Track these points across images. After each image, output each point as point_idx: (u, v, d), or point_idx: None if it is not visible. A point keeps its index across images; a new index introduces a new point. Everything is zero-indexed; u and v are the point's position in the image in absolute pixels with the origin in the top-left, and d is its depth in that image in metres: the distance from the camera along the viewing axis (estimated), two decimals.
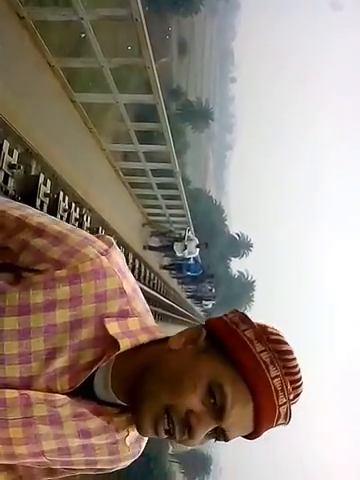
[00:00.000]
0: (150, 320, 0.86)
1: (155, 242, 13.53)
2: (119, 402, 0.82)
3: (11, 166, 4.21)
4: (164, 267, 15.49)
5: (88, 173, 7.42)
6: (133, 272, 9.95)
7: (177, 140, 12.86)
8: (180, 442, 0.78)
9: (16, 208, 0.88)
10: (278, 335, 0.81)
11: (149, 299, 12.14)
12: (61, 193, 5.58)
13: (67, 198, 5.75)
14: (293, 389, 0.78)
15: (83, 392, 0.81)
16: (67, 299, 0.78)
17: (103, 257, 0.81)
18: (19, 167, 4.34)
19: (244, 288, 62.39)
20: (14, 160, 4.30)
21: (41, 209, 4.94)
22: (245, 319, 0.82)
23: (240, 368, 0.77)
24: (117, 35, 11.99)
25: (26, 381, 0.78)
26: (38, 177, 4.97)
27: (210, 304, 32.19)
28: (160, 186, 10.45)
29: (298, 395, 0.80)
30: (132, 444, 0.87)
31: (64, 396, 0.79)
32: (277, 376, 0.77)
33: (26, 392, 0.78)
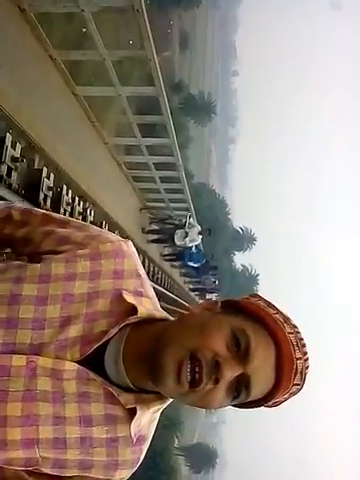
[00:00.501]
0: (160, 309, 0.89)
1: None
2: (128, 382, 0.80)
3: (14, 159, 4.20)
4: (164, 257, 14.32)
5: (91, 167, 7.41)
6: None
7: (180, 134, 12.79)
8: (203, 396, 0.75)
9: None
10: (287, 314, 0.86)
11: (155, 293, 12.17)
12: (64, 187, 5.57)
13: (70, 192, 5.74)
14: (304, 352, 0.81)
15: (93, 367, 0.79)
16: (87, 272, 0.83)
17: (122, 242, 0.89)
18: (22, 160, 4.33)
19: (248, 282, 62.37)
20: (17, 154, 4.29)
21: (45, 203, 4.94)
22: (254, 295, 0.86)
23: (259, 319, 0.80)
24: (119, 28, 11.92)
25: (36, 348, 0.77)
26: (41, 171, 4.96)
27: (214, 297, 31.47)
28: (163, 180, 10.42)
29: (308, 360, 0.81)
30: (136, 436, 0.81)
31: (73, 364, 0.77)
32: (291, 332, 0.80)
33: (34, 359, 0.76)
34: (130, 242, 0.91)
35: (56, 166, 5.69)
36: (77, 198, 5.96)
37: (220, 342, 0.76)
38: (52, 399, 0.76)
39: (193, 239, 11.44)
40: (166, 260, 14.66)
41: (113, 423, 0.80)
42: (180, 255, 14.30)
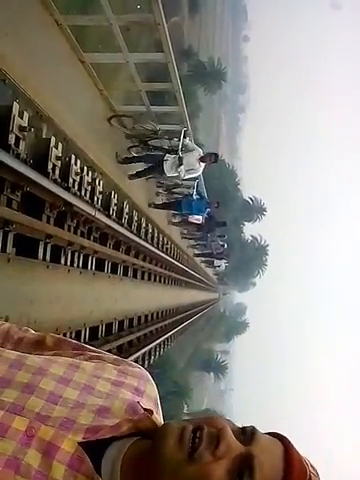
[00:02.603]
0: None
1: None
2: None
3: (22, 129, 4.15)
4: (155, 205, 10.83)
5: (99, 137, 7.33)
6: (146, 236, 9.98)
7: (189, 103, 12.54)
8: (201, 469, 0.69)
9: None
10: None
11: (163, 263, 12.26)
12: (73, 157, 5.53)
13: (79, 162, 5.70)
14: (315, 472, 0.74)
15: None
16: (111, 379, 0.87)
17: (148, 372, 0.95)
18: (30, 130, 4.28)
19: (257, 252, 62.41)
20: (25, 123, 4.25)
21: (53, 173, 4.92)
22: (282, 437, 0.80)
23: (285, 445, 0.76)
24: None
25: (42, 418, 0.75)
26: (49, 140, 4.91)
27: (222, 264, 26.59)
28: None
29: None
30: None
31: (73, 443, 0.74)
32: (315, 474, 0.75)
33: (35, 426, 0.74)
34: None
35: (64, 136, 5.63)
36: (86, 168, 5.91)
37: (224, 423, 0.73)
38: (33, 478, 0.70)
39: (191, 167, 8.04)
40: (156, 207, 10.86)
41: None
42: (176, 204, 11.09)
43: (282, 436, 0.77)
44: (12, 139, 4.05)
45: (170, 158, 7.97)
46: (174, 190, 11.35)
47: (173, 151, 7.97)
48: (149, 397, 0.89)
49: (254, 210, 56.63)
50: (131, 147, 8.65)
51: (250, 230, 64.13)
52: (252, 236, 64.36)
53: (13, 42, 4.70)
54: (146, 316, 10.63)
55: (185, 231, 17.00)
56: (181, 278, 16.49)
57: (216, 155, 9.12)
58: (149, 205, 10.31)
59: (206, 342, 55.47)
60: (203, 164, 8.21)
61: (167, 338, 12.53)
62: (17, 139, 4.11)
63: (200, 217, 12.15)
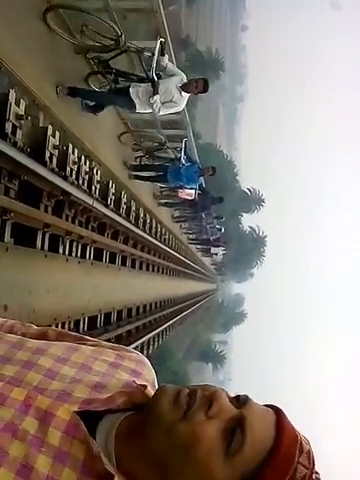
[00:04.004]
0: None
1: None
2: (111, 457, 0.74)
3: (19, 117, 4.13)
4: (136, 176, 9.04)
5: (96, 125, 7.29)
6: (144, 226, 9.97)
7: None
8: (194, 428, 0.70)
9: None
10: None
11: (161, 253, 12.27)
12: (70, 146, 5.50)
13: (76, 151, 5.67)
14: (314, 464, 0.73)
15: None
16: (109, 361, 0.89)
17: (146, 360, 0.96)
18: (27, 118, 4.25)
19: (255, 243, 62.48)
20: (21, 111, 4.22)
21: (51, 162, 4.89)
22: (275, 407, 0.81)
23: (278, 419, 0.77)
24: None
25: (39, 390, 0.78)
26: (46, 129, 4.89)
27: (220, 252, 24.41)
28: (170, 139, 10.23)
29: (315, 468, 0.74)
30: None
31: (69, 410, 0.75)
32: (307, 443, 0.75)
33: (33, 396, 0.76)
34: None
35: (61, 124, 5.60)
36: (83, 157, 5.89)
37: (219, 391, 0.75)
38: (29, 442, 0.71)
39: (170, 99, 5.88)
40: (136, 177, 9.10)
41: None
42: (161, 173, 8.89)
43: (277, 407, 0.78)
44: (9, 127, 4.03)
45: (141, 87, 5.88)
46: (156, 153, 9.13)
47: (146, 79, 5.86)
48: (146, 380, 0.90)
49: (252, 201, 56.59)
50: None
51: (248, 221, 64.20)
52: (250, 227, 64.41)
53: (8, 29, 4.65)
54: (145, 306, 10.66)
55: (176, 212, 15.11)
56: (179, 268, 16.52)
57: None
58: (129, 177, 8.77)
59: (204, 332, 55.70)
60: (187, 95, 6.03)
61: (165, 328, 12.57)
62: (14, 127, 4.09)
63: (192, 191, 10.51)
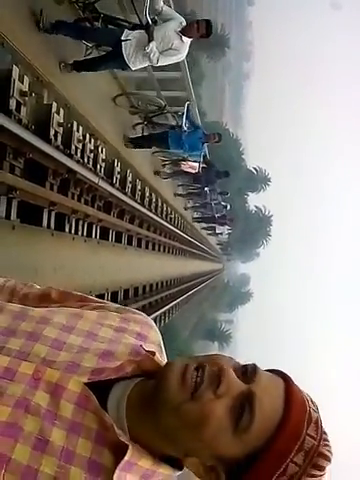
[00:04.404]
0: None
1: None
2: (124, 427, 0.75)
3: (22, 93, 4.08)
4: (131, 141, 8.18)
5: (100, 103, 7.21)
6: (150, 205, 9.95)
7: (192, 70, 12.21)
8: (202, 407, 0.70)
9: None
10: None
11: (167, 233, 12.26)
12: (75, 123, 5.46)
13: (81, 129, 5.62)
14: (323, 432, 0.73)
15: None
16: (114, 325, 0.88)
17: (152, 321, 0.96)
18: (31, 95, 4.20)
19: (261, 223, 62.28)
20: (25, 87, 4.17)
21: (55, 139, 4.86)
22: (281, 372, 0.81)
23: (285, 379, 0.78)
24: None
25: (47, 362, 0.77)
26: (51, 106, 4.84)
27: (225, 231, 23.32)
28: (171, 103, 9.92)
29: (325, 434, 0.74)
30: None
31: (79, 382, 0.75)
32: (315, 410, 0.75)
33: (42, 370, 0.75)
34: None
35: (65, 102, 5.54)
36: (88, 135, 5.84)
37: (226, 362, 0.75)
38: (43, 416, 0.71)
39: (169, 46, 5.21)
40: (133, 143, 8.23)
41: (95, 473, 0.70)
42: (161, 138, 8.13)
43: (284, 373, 0.78)
44: (13, 104, 3.99)
45: (134, 35, 5.14)
46: (156, 119, 8.42)
47: (139, 25, 5.27)
48: (152, 342, 0.89)
49: (258, 180, 56.17)
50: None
51: (254, 201, 63.92)
52: (256, 207, 64.12)
53: (12, 5, 4.57)
54: (151, 285, 10.71)
55: (180, 189, 14.38)
56: (185, 248, 16.53)
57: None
58: (125, 145, 8.04)
59: (210, 312, 56.10)
60: (188, 40, 5.28)
61: (172, 307, 12.67)
62: (18, 104, 4.05)
63: (196, 164, 10.03)
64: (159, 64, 5.40)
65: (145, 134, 8.41)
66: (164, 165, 11.30)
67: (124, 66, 5.39)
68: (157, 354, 0.81)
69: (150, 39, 5.06)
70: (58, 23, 5.06)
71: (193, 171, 10.39)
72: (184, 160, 10.11)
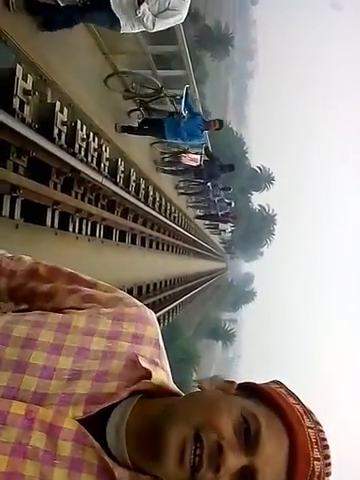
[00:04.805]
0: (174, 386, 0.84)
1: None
2: (126, 457, 0.73)
3: (26, 92, 4.07)
4: (124, 130, 7.46)
5: (104, 102, 7.20)
6: (154, 204, 9.93)
7: (196, 69, 12.15)
8: None
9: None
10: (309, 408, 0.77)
11: (171, 232, 12.25)
12: (79, 122, 5.44)
13: (85, 128, 5.61)
14: (325, 455, 0.71)
15: (93, 432, 0.74)
16: (107, 330, 0.83)
17: (147, 309, 0.91)
18: (34, 94, 4.20)
19: (265, 222, 62.19)
20: (29, 86, 4.16)
21: (59, 138, 4.85)
22: (277, 381, 0.79)
23: (276, 406, 0.73)
24: None
25: (39, 398, 0.73)
26: (54, 105, 4.82)
27: (228, 228, 22.61)
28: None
29: (329, 465, 0.72)
30: None
31: (74, 422, 0.73)
32: (311, 427, 0.72)
33: (34, 409, 0.72)
34: (153, 313, 0.93)
35: (69, 101, 5.53)
36: (92, 134, 5.83)
37: (227, 423, 0.69)
38: (42, 459, 0.70)
39: (167, 6, 4.63)
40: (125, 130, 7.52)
41: None
42: (156, 127, 7.42)
43: (290, 425, 0.72)
44: (17, 103, 3.97)
45: None
46: (152, 104, 7.74)
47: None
48: (149, 341, 0.86)
49: (262, 179, 56.08)
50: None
51: (258, 200, 63.80)
52: (260, 205, 64.03)
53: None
54: (155, 284, 10.70)
55: (181, 184, 13.62)
56: (189, 247, 16.52)
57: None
58: (115, 129, 7.38)
59: (214, 311, 56.06)
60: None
61: (175, 306, 12.65)
62: (21, 103, 4.03)
63: (197, 157, 9.47)
64: (155, 29, 4.74)
65: (139, 121, 7.74)
66: (163, 159, 10.48)
67: (112, 22, 4.64)
68: (152, 374, 0.76)
69: (140, 1, 4.42)
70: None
71: (194, 164, 9.73)
72: (184, 152, 9.47)
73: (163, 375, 0.81)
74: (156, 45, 8.23)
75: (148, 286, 9.88)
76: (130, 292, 8.17)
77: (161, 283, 11.52)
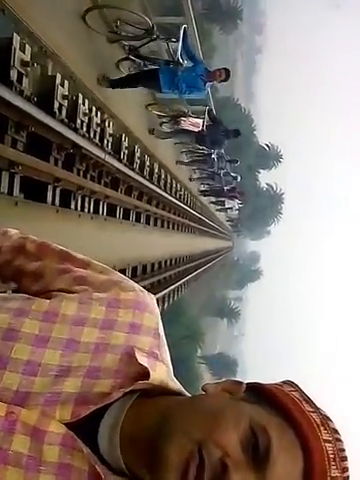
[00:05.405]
0: (176, 381, 0.75)
1: None
2: (120, 462, 0.65)
3: (24, 63, 3.92)
4: (111, 83, 6.41)
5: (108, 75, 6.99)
6: (159, 181, 9.79)
7: (204, 42, 11.82)
8: None
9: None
10: (327, 413, 0.68)
11: (176, 210, 12.12)
12: (80, 96, 5.29)
13: (87, 102, 5.45)
14: (343, 468, 0.63)
15: (82, 435, 0.65)
16: (100, 319, 0.73)
17: (146, 293, 0.81)
18: (33, 65, 4.04)
19: (272, 201, 61.78)
20: (27, 57, 4.00)
21: (60, 113, 4.71)
22: (290, 383, 0.69)
23: (289, 417, 0.63)
24: None
25: (21, 397, 0.65)
26: (55, 78, 4.67)
27: (235, 205, 20.78)
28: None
29: (347, 478, 0.63)
30: None
31: (61, 426, 0.64)
32: (329, 440, 0.63)
33: (16, 411, 0.64)
34: (153, 297, 0.82)
35: (70, 74, 5.36)
36: (94, 109, 5.67)
37: (233, 437, 0.60)
38: (25, 465, 0.62)
39: None
40: (112, 84, 6.46)
41: None
42: (149, 76, 6.51)
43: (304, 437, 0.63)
44: (14, 75, 3.83)
45: None
46: (143, 51, 6.73)
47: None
48: (148, 330, 0.75)
49: (270, 157, 55.43)
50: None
51: (266, 178, 63.23)
52: (267, 184, 63.52)
53: None
54: (160, 263, 10.65)
55: (182, 156, 12.50)
56: (194, 225, 16.41)
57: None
58: (98, 82, 6.29)
59: (219, 289, 56.32)
60: None
61: (181, 284, 12.62)
62: (20, 75, 3.89)
63: (199, 121, 8.57)
64: None
65: (131, 73, 6.75)
66: (161, 124, 9.54)
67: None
68: (151, 373, 0.67)
69: None
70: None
71: (196, 129, 8.73)
72: (185, 116, 8.57)
73: (163, 371, 0.72)
74: (161, 16, 7.96)
75: (153, 265, 9.82)
76: (134, 270, 8.11)
77: (166, 262, 11.47)
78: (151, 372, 0.67)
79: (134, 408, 0.67)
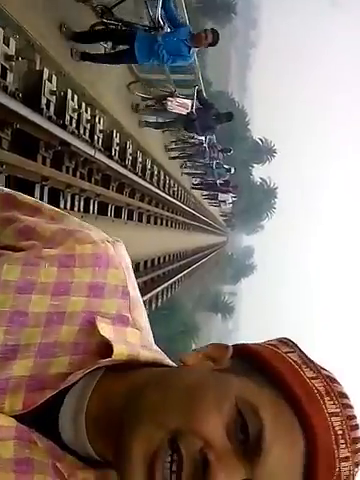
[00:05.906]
0: (153, 344, 0.63)
1: None
2: (89, 449, 0.54)
3: (8, 57, 3.75)
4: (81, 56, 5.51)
5: (99, 71, 6.82)
6: (152, 178, 9.63)
7: None
8: None
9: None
10: (331, 374, 0.55)
11: (169, 206, 11.98)
12: (69, 91, 5.12)
13: (76, 97, 5.29)
14: (355, 449, 0.50)
15: (40, 423, 0.54)
16: (51, 283, 0.58)
17: (109, 244, 0.63)
18: (18, 59, 3.87)
19: (266, 195, 61.80)
20: (11, 51, 3.82)
21: (48, 109, 4.54)
22: (286, 341, 0.56)
23: (287, 389, 0.51)
24: None
25: None
26: (42, 72, 4.50)
27: (229, 199, 19.91)
28: (178, 85, 9.60)
29: (359, 464, 0.51)
30: None
31: (11, 420, 0.52)
32: (336, 413, 0.50)
33: None
34: (122, 245, 0.66)
35: (59, 68, 5.19)
36: (84, 104, 5.50)
37: (216, 422, 0.48)
38: None
39: None
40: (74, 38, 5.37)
41: None
42: (123, 38, 5.57)
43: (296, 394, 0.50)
44: None
45: None
46: (116, 11, 5.64)
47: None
48: (114, 290, 0.61)
49: (264, 151, 55.39)
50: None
51: (259, 172, 63.18)
52: (261, 178, 63.50)
53: None
54: (153, 260, 10.53)
55: (172, 145, 11.61)
56: (188, 221, 16.28)
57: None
58: (60, 31, 5.21)
59: (214, 284, 56.32)
60: None
61: (175, 281, 12.52)
62: (3, 70, 3.72)
63: (188, 102, 7.66)
64: None
65: (97, 38, 5.64)
66: (147, 105, 8.32)
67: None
68: (114, 349, 0.54)
69: None
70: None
71: (184, 111, 7.74)
72: (171, 96, 7.58)
73: (135, 336, 0.59)
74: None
75: (146, 262, 9.70)
76: None
77: (159, 259, 11.35)
78: (115, 346, 0.54)
79: (100, 386, 0.55)
